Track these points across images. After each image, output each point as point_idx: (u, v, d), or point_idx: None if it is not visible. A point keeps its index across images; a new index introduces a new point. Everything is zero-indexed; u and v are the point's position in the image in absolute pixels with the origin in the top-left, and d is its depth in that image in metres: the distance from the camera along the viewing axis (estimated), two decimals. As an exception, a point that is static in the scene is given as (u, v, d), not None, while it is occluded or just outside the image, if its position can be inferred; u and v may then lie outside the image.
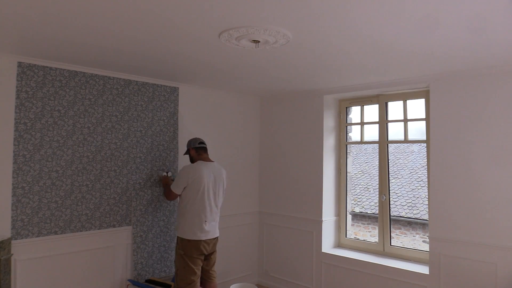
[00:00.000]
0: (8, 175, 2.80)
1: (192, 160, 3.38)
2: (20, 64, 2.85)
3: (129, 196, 3.46)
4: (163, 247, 3.65)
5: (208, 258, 3.30)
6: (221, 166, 3.44)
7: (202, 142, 3.38)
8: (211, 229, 3.21)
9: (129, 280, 3.38)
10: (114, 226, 3.36)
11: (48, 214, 2.99)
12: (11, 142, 2.81)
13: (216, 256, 3.42)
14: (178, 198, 3.34)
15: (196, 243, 3.13)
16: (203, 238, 3.14)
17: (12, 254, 2.76)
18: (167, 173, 3.70)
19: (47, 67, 2.98)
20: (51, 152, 3.01)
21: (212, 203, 3.23)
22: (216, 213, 3.28)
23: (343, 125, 4.24)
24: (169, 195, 3.35)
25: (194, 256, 3.14)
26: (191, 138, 3.55)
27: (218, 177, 3.31)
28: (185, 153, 3.45)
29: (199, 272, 3.18)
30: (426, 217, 8.23)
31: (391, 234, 3.91)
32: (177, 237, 3.23)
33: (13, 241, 2.79)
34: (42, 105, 2.97)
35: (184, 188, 3.21)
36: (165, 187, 3.49)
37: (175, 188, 3.23)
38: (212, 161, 3.38)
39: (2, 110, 2.78)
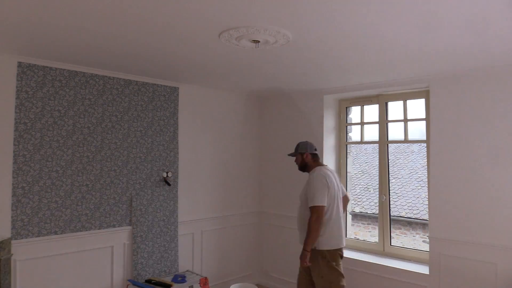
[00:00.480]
0: (8, 175, 2.80)
1: (304, 166, 3.17)
2: (20, 64, 2.85)
3: (129, 196, 3.47)
4: (163, 247, 3.65)
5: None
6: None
7: (316, 148, 3.19)
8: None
9: (129, 280, 3.38)
10: (114, 226, 3.36)
11: (48, 214, 2.98)
12: (11, 142, 2.81)
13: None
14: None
15: (337, 252, 2.99)
16: (343, 245, 3.02)
17: (12, 254, 2.76)
18: (167, 173, 3.70)
19: (47, 67, 2.98)
20: (51, 152, 3.01)
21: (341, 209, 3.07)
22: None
23: (343, 125, 4.24)
24: (319, 213, 2.82)
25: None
26: (303, 141, 3.25)
27: (338, 181, 3.14)
28: (297, 156, 3.19)
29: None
30: (426, 217, 8.22)
31: (391, 234, 3.91)
32: (319, 251, 2.91)
33: (13, 241, 2.79)
34: (42, 105, 2.96)
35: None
36: (311, 218, 2.85)
37: (322, 200, 2.83)
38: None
39: (2, 110, 2.78)
